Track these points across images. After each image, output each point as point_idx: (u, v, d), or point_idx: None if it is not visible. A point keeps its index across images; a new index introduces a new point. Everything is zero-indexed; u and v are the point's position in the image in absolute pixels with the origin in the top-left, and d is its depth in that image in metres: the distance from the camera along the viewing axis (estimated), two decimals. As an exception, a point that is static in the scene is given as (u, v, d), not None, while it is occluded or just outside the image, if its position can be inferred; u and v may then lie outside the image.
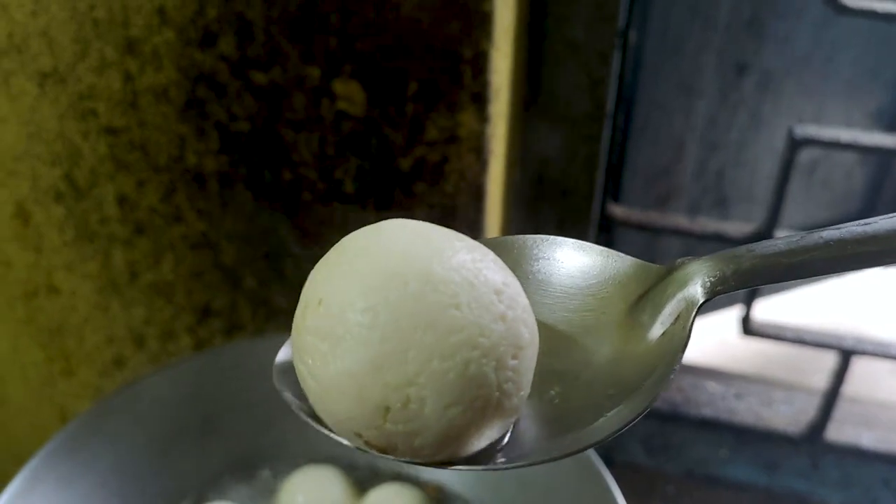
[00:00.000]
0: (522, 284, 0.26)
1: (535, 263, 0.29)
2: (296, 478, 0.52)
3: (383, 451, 0.24)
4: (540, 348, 0.26)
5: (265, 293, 0.60)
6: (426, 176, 0.53)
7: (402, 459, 0.25)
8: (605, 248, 0.29)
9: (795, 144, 0.59)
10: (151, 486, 0.50)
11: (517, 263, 0.28)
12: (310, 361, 0.25)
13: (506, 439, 0.26)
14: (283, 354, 0.27)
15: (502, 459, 0.26)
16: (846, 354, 0.65)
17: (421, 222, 0.26)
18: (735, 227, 0.64)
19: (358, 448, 0.25)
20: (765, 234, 0.63)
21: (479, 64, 0.49)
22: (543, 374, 0.26)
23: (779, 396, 0.72)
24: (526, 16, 0.56)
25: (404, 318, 0.23)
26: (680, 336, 0.25)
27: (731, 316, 0.73)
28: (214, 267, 0.60)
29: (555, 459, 0.25)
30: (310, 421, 0.26)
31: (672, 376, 0.25)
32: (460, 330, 0.23)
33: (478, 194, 0.54)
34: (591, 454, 0.45)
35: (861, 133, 0.59)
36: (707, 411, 0.71)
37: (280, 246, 0.58)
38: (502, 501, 0.52)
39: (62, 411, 0.70)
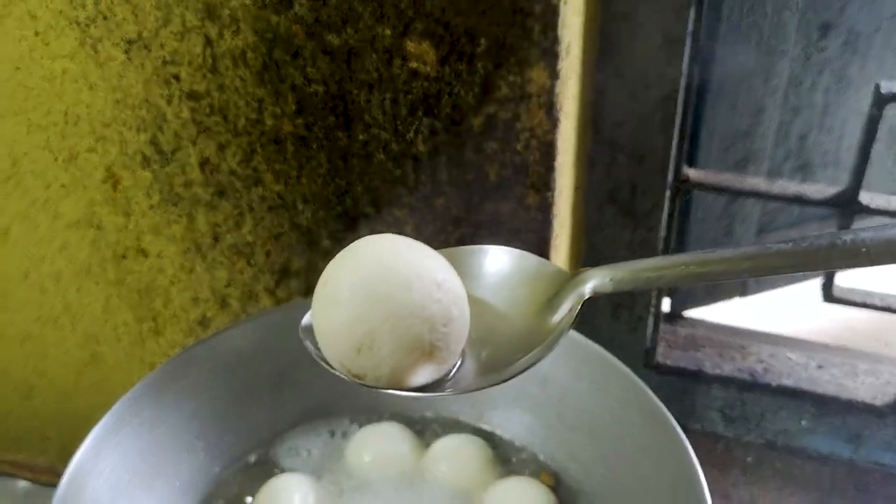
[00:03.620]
0: (471, 278, 0.39)
1: (486, 265, 0.41)
2: (363, 433, 0.54)
3: (357, 377, 0.37)
4: (479, 322, 0.38)
5: (340, 254, 0.62)
6: (497, 134, 0.54)
7: (369, 384, 0.37)
8: (541, 258, 0.40)
9: (882, 101, 0.57)
10: (230, 432, 0.52)
11: (477, 265, 0.41)
12: (320, 320, 0.37)
13: (449, 380, 0.38)
14: (305, 319, 0.39)
15: (450, 390, 0.38)
16: (936, 322, 0.62)
17: (404, 238, 0.38)
18: (816, 190, 0.62)
19: (342, 375, 0.37)
20: (848, 197, 0.61)
21: (549, 19, 0.49)
22: (481, 341, 0.39)
23: (863, 367, 0.70)
24: (598, -28, 0.55)
25: (375, 294, 0.36)
26: (569, 319, 0.37)
27: (813, 285, 0.71)
28: (292, 228, 0.61)
29: (478, 389, 0.38)
30: (318, 359, 0.38)
31: (557, 343, 0.37)
32: (408, 305, 0.36)
33: (549, 152, 0.54)
34: (680, 433, 0.46)
35: (953, 88, 0.56)
36: (787, 381, 0.70)
37: (354, 206, 0.59)
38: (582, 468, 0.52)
39: (152, 369, 0.73)
